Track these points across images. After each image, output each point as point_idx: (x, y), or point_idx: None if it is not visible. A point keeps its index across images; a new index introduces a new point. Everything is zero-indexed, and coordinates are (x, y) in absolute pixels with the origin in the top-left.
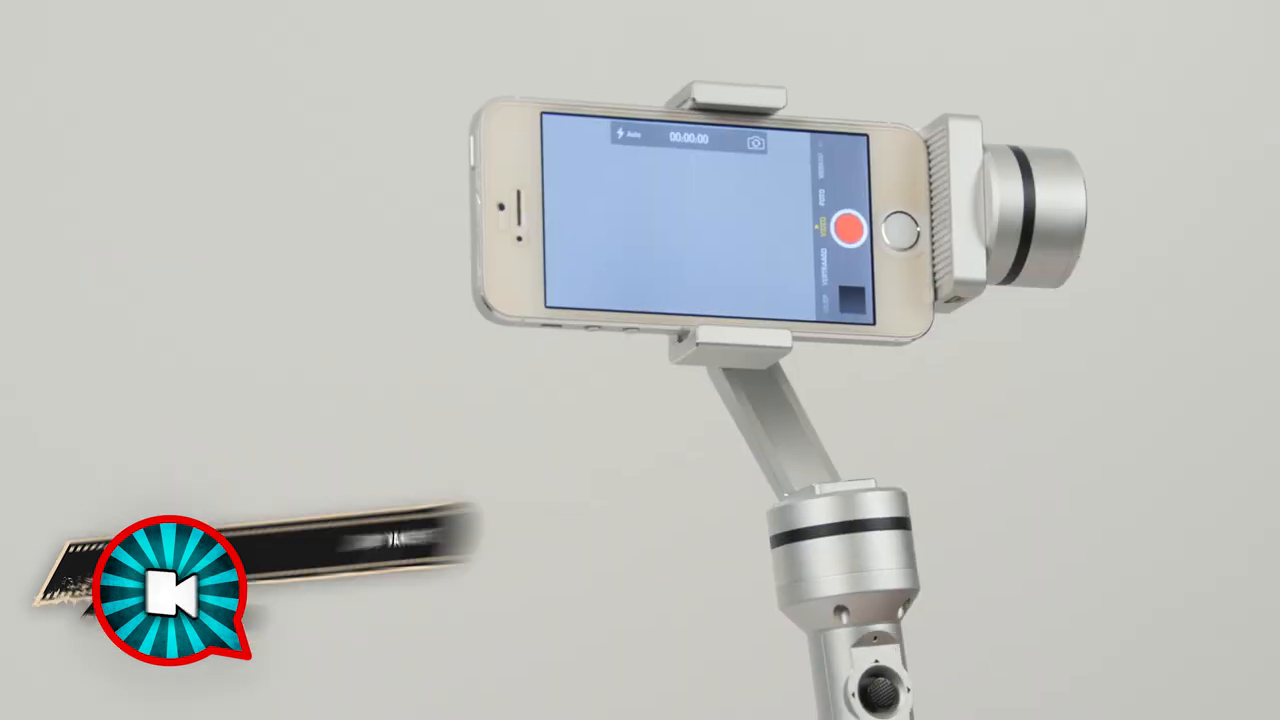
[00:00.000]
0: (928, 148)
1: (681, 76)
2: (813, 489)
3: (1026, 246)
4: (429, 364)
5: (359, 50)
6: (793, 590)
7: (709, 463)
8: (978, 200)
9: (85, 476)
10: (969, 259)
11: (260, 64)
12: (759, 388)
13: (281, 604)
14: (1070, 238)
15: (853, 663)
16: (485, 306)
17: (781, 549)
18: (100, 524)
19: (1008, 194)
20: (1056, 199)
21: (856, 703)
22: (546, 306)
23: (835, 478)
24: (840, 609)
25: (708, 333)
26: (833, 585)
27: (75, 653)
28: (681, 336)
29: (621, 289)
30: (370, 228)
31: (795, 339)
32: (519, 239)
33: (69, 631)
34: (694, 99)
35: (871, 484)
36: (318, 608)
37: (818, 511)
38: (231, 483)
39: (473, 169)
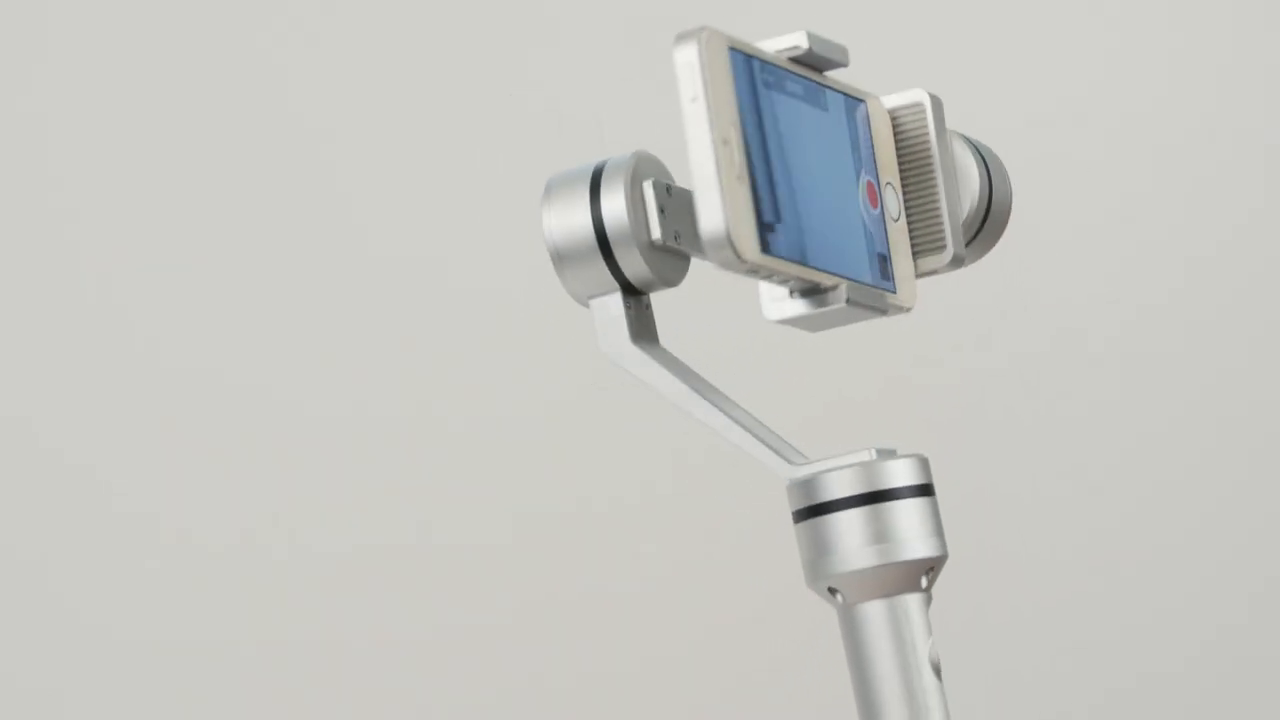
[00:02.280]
0: (893, 120)
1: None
2: (873, 452)
3: (978, 232)
4: (434, 373)
5: (365, 58)
6: (819, 565)
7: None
8: (957, 181)
9: (84, 477)
10: (957, 237)
11: (262, 70)
12: (692, 372)
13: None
14: (1000, 229)
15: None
16: (729, 247)
17: (807, 524)
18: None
19: (978, 179)
20: (1003, 190)
21: (932, 671)
22: (762, 253)
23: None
24: (931, 569)
25: (856, 292)
26: (864, 558)
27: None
28: (812, 291)
29: (787, 240)
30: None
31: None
32: (738, 178)
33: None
34: (806, 48)
35: (895, 451)
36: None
37: (845, 483)
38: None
39: (693, 100)
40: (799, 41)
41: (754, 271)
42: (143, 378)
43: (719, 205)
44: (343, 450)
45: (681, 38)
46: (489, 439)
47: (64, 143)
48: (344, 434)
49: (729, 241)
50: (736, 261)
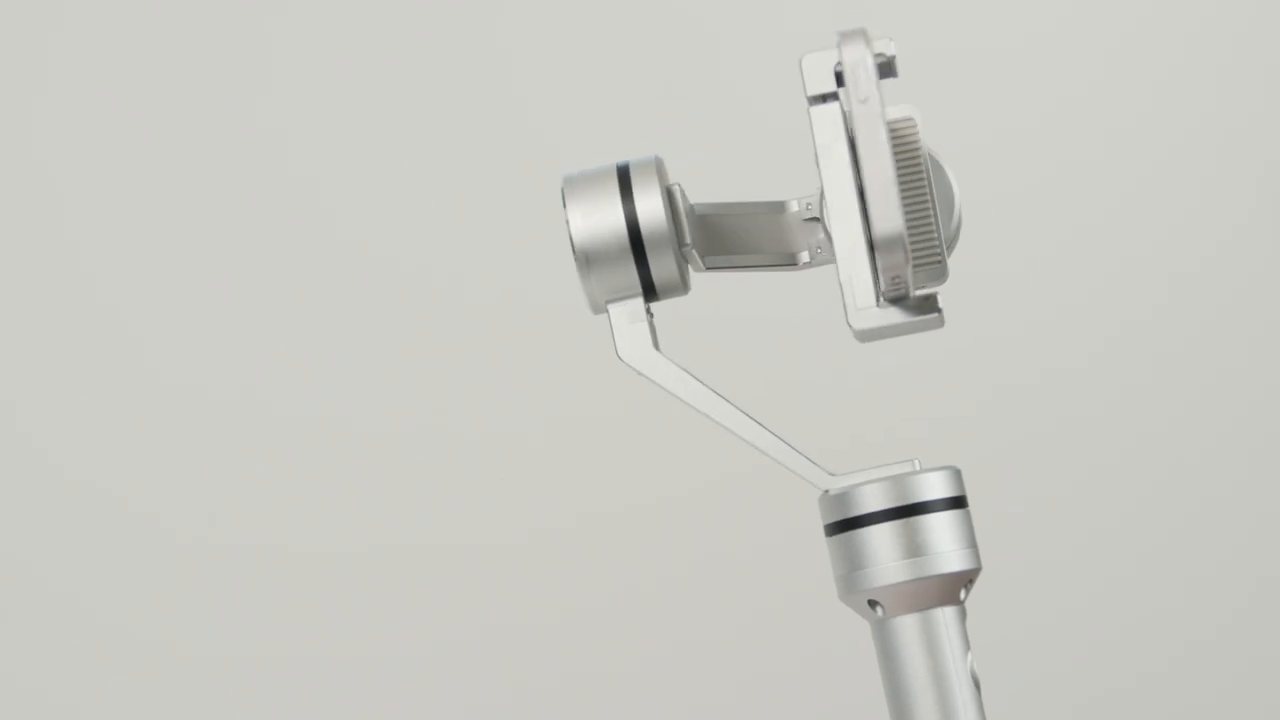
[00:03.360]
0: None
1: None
2: (913, 463)
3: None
4: (447, 378)
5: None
6: (854, 579)
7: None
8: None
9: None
10: (945, 253)
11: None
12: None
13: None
14: (955, 245)
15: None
16: (902, 249)
17: (840, 537)
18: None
19: (957, 195)
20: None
21: (972, 684)
22: None
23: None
24: (971, 581)
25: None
26: (900, 571)
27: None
28: (900, 300)
29: None
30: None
31: None
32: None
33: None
34: (892, 55)
35: (920, 465)
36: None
37: (879, 497)
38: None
39: (864, 101)
40: (886, 49)
41: (899, 277)
42: (157, 387)
43: (898, 206)
44: (362, 454)
45: (847, 36)
46: (505, 445)
47: (60, 150)
48: (360, 438)
49: (903, 243)
50: (904, 264)
